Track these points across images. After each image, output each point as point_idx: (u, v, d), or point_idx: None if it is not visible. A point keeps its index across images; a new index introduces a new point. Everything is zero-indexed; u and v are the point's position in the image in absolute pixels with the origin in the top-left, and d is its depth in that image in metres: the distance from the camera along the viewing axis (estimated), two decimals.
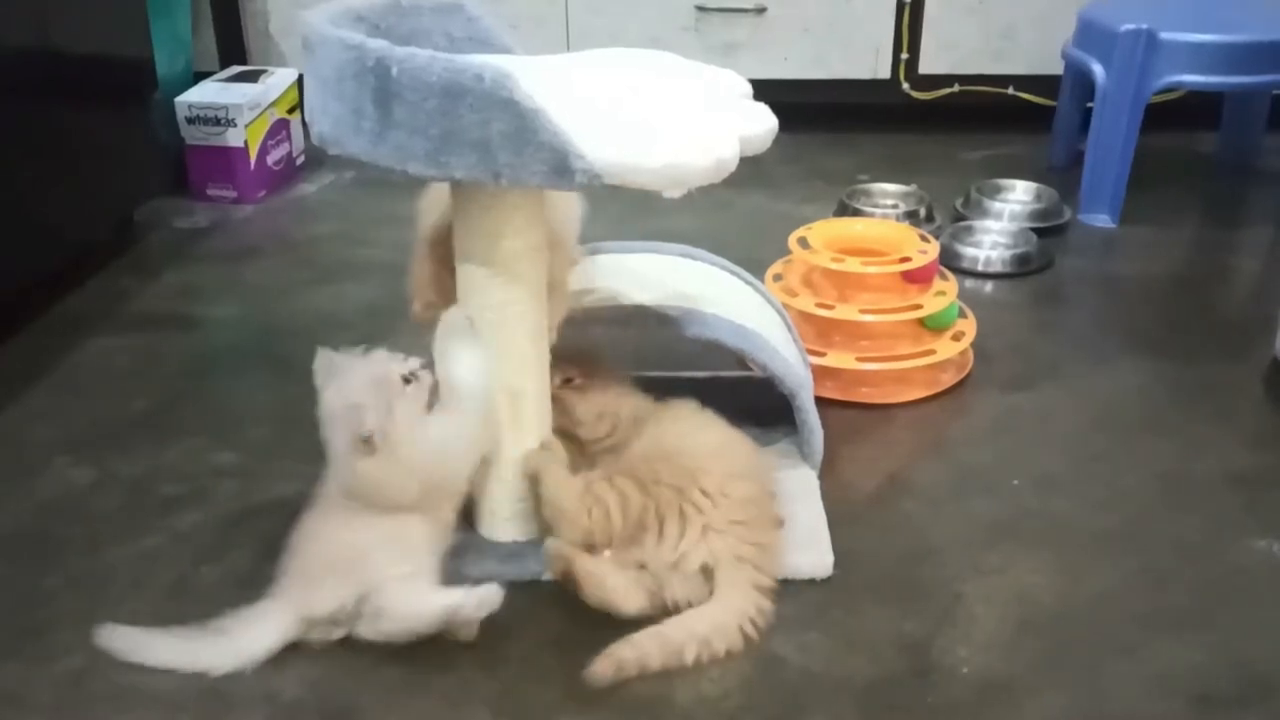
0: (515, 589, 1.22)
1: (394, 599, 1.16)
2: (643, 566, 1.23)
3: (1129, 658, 1.21)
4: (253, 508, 1.44)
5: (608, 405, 1.37)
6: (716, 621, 1.20)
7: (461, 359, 1.23)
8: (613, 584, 1.20)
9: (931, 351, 1.68)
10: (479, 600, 1.16)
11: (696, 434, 1.31)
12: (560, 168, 1.03)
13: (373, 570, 1.16)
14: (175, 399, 1.69)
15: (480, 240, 1.21)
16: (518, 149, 1.03)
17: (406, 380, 1.21)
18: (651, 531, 1.23)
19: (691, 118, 1.10)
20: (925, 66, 2.74)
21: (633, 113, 1.09)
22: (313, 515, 1.23)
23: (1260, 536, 1.39)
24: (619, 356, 1.46)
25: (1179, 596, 1.30)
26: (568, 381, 1.37)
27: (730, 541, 1.23)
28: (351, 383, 1.19)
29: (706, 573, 1.23)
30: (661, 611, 1.21)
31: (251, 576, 1.33)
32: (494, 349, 1.24)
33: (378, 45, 1.04)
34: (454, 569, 1.31)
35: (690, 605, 1.22)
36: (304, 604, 1.17)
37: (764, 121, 1.14)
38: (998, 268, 2.09)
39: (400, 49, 1.03)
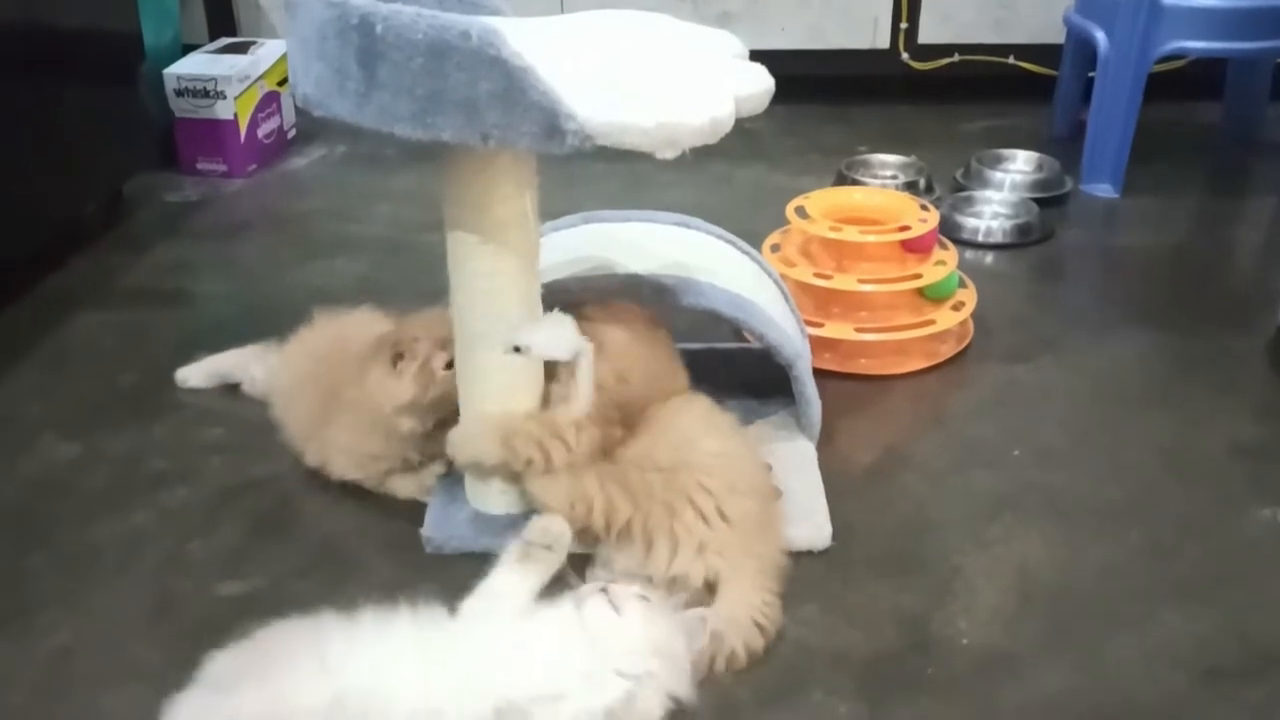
0: None
1: None
2: (649, 577, 1.18)
3: (1132, 631, 1.19)
4: (241, 484, 1.42)
5: (630, 370, 1.28)
6: (726, 617, 1.14)
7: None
8: None
9: (931, 322, 1.66)
10: None
11: (694, 445, 1.25)
12: (550, 128, 1.01)
13: None
14: (164, 375, 1.66)
15: (470, 208, 1.18)
16: (507, 109, 1.00)
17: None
18: (639, 546, 1.18)
19: (685, 77, 1.07)
20: (925, 36, 2.71)
21: (625, 72, 1.06)
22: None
23: (1265, 507, 1.37)
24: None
25: (1182, 569, 1.28)
26: None
27: (731, 557, 1.18)
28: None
29: (710, 586, 1.18)
30: None
31: (240, 552, 1.31)
32: (484, 317, 1.22)
33: (361, 2, 1.01)
34: (444, 541, 1.29)
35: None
36: None
37: (760, 81, 1.11)
38: (998, 238, 2.07)
39: (384, 5, 1.00)
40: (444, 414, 1.33)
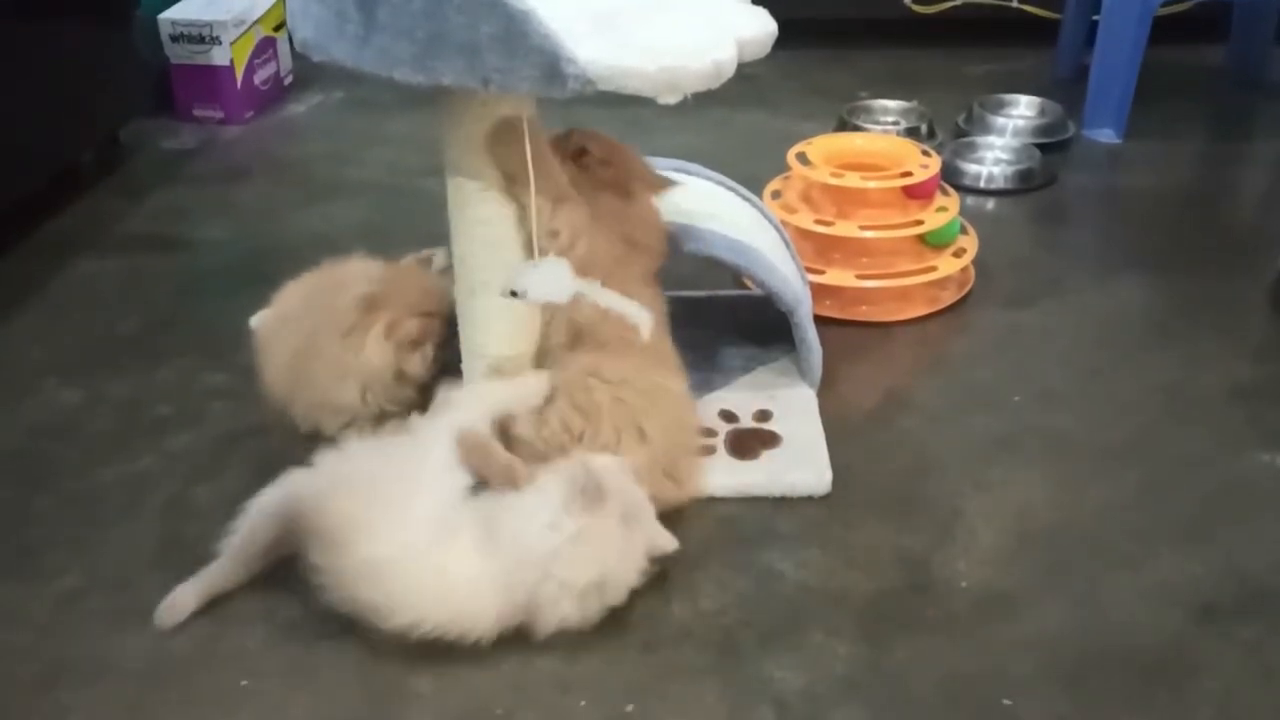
0: None
1: None
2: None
3: (1129, 570, 1.20)
4: (244, 428, 1.42)
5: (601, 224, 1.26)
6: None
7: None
8: None
9: (932, 268, 1.65)
10: None
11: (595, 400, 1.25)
12: (551, 72, 1.00)
13: None
14: (164, 320, 1.67)
15: (471, 154, 1.17)
16: (507, 52, 0.99)
17: None
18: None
19: (687, 20, 1.06)
20: None
21: (627, 15, 1.05)
22: None
23: (1263, 450, 1.37)
24: None
25: (1180, 509, 1.29)
26: (581, 154, 1.26)
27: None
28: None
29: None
30: None
31: (245, 496, 1.31)
32: (485, 264, 1.22)
33: None
34: None
35: None
36: None
37: (763, 25, 1.10)
38: (1000, 184, 2.05)
39: None
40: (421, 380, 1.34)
